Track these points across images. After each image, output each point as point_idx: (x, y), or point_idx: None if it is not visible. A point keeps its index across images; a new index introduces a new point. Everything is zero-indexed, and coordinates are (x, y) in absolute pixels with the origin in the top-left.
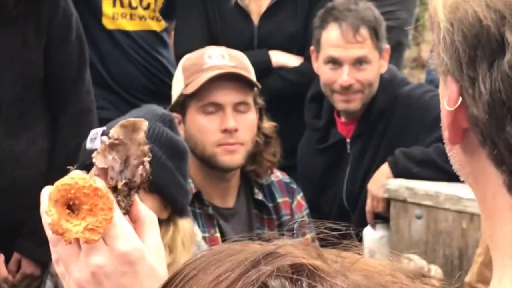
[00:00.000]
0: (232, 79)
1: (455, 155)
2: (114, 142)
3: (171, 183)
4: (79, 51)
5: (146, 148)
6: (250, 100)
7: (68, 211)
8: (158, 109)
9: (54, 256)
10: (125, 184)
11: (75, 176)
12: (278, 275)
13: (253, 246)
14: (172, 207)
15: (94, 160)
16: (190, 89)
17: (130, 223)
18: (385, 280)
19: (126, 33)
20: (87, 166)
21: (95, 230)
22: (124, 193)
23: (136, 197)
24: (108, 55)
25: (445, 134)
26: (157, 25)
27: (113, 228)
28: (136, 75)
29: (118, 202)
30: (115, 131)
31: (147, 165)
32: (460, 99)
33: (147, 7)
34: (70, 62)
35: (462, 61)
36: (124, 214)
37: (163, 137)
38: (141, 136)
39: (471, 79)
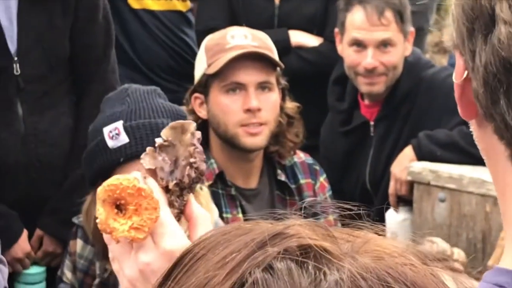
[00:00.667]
0: (255, 59)
1: (474, 131)
2: (164, 143)
3: None
4: (105, 32)
5: (192, 149)
6: (273, 80)
7: (116, 210)
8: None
9: (110, 254)
10: (176, 185)
11: (120, 176)
12: (284, 257)
13: (262, 225)
14: None
15: (142, 161)
16: (213, 69)
17: (185, 222)
18: (394, 262)
19: (151, 13)
20: (111, 168)
21: (140, 229)
22: (176, 193)
23: (190, 197)
24: (134, 34)
25: (459, 109)
26: (182, 5)
27: (160, 226)
28: (162, 54)
29: (171, 202)
30: (165, 133)
31: (199, 165)
32: (466, 72)
33: None
34: (96, 42)
35: (463, 35)
36: (179, 213)
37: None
38: (188, 137)
39: (471, 52)
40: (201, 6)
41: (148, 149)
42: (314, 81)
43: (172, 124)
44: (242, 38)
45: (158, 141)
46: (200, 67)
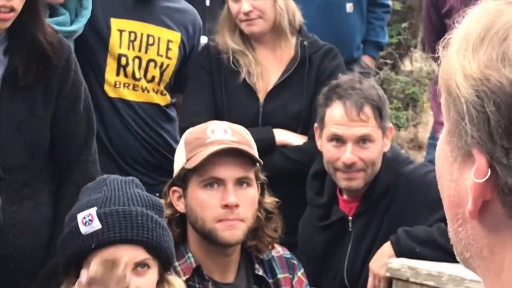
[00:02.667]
0: (234, 154)
1: (468, 230)
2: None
3: (170, 241)
4: (86, 121)
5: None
6: (252, 175)
7: None
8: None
9: None
10: None
11: None
12: None
13: None
14: (167, 267)
15: None
16: (192, 164)
17: None
18: None
19: (127, 103)
20: (83, 254)
21: None
22: None
23: None
24: (109, 123)
25: (467, 207)
26: (161, 99)
27: None
28: (136, 146)
29: None
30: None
31: None
32: (489, 171)
33: (152, 80)
34: (77, 132)
35: (493, 132)
36: None
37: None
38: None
39: (505, 149)
40: (185, 103)
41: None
42: (293, 177)
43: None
44: (222, 132)
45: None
46: (179, 161)
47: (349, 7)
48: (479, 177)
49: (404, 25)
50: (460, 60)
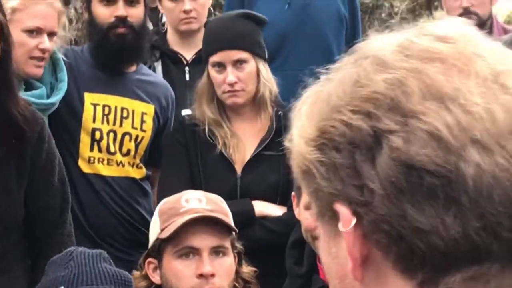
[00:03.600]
0: (209, 223)
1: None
2: None
3: None
4: (61, 194)
5: None
6: (227, 244)
7: None
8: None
9: None
10: None
11: None
12: None
13: None
14: None
15: None
16: (166, 233)
17: None
18: None
19: (102, 178)
20: None
21: None
22: None
23: None
24: (84, 198)
25: (350, 269)
26: (137, 172)
27: None
28: (112, 222)
29: None
30: None
31: None
32: (354, 218)
33: (127, 153)
34: (52, 205)
35: (343, 176)
36: None
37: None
38: None
39: (357, 187)
40: (162, 179)
41: None
42: (275, 247)
43: None
44: (196, 201)
45: None
46: (154, 231)
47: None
48: (346, 226)
49: None
50: (299, 134)
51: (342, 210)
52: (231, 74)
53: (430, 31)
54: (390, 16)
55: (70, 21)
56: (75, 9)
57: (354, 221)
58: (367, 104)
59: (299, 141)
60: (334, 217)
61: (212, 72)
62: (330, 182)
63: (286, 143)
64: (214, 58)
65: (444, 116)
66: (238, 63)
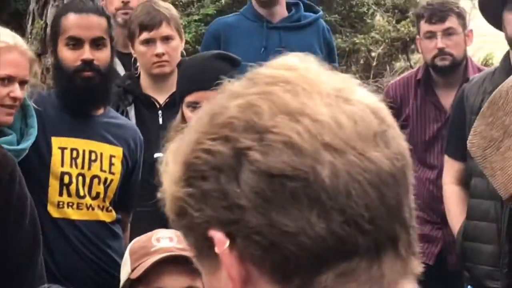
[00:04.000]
0: (180, 263)
1: None
2: None
3: None
4: (32, 236)
5: None
6: (199, 284)
7: None
8: None
9: None
10: None
11: None
12: None
13: None
14: None
15: None
16: (136, 274)
17: None
18: None
19: (71, 223)
20: None
21: None
22: None
23: None
24: (53, 243)
25: None
26: (107, 216)
27: None
28: (83, 267)
29: None
30: None
31: None
32: (228, 240)
33: (96, 196)
34: (22, 247)
35: (213, 201)
36: None
37: None
38: None
39: (227, 207)
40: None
41: None
42: None
43: None
44: (167, 240)
45: None
46: (125, 272)
47: None
48: (221, 248)
49: None
50: (168, 180)
51: (216, 234)
52: None
53: (274, 63)
54: (367, 60)
55: (48, 69)
56: None
57: (228, 242)
58: (224, 130)
59: (169, 186)
60: (211, 248)
61: (187, 112)
62: (201, 211)
63: (159, 196)
64: (189, 98)
65: (294, 126)
66: None
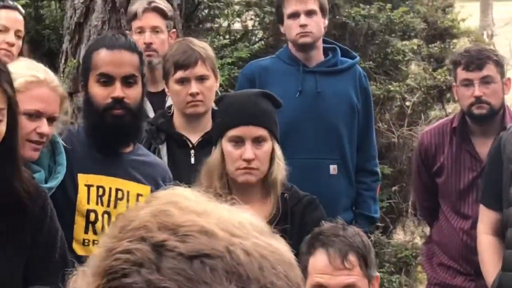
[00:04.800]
0: None
1: None
2: None
3: None
4: (62, 271)
5: None
6: None
7: None
8: None
9: None
10: None
11: None
12: None
13: None
14: None
15: None
16: None
17: None
18: None
19: None
20: None
21: None
22: None
23: None
24: None
25: None
26: None
27: None
28: None
29: None
30: None
31: None
32: None
33: None
34: (52, 282)
35: None
36: None
37: None
38: None
39: None
40: None
41: None
42: None
43: None
44: None
45: None
46: None
47: (333, 169)
48: None
49: (394, 188)
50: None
51: None
52: (249, 151)
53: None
54: (401, 108)
55: (79, 108)
56: None
57: None
58: (139, 232)
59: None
60: None
61: (228, 147)
62: None
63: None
64: (234, 132)
65: (204, 220)
66: (257, 140)
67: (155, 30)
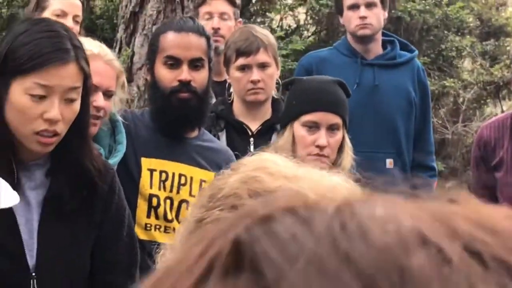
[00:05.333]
0: None
1: None
2: None
3: None
4: (129, 250)
5: None
6: None
7: None
8: None
9: None
10: None
11: None
12: None
13: None
14: None
15: None
16: None
17: None
18: None
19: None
20: None
21: None
22: None
23: None
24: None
25: None
26: None
27: None
28: None
29: None
30: None
31: None
32: None
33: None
34: (120, 261)
35: None
36: None
37: None
38: None
39: None
40: None
41: None
42: None
43: None
44: None
45: None
46: None
47: (389, 163)
48: None
49: (447, 186)
50: None
51: None
52: (324, 137)
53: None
54: (455, 104)
55: (132, 99)
56: (138, 87)
57: None
58: (230, 200)
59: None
60: None
61: (301, 131)
62: None
63: None
64: (309, 117)
65: (292, 184)
66: (331, 128)
67: (223, 16)
